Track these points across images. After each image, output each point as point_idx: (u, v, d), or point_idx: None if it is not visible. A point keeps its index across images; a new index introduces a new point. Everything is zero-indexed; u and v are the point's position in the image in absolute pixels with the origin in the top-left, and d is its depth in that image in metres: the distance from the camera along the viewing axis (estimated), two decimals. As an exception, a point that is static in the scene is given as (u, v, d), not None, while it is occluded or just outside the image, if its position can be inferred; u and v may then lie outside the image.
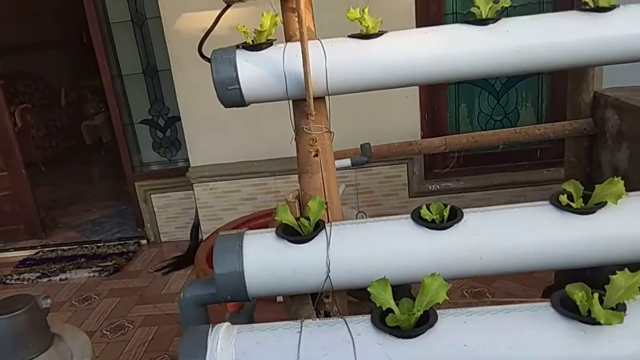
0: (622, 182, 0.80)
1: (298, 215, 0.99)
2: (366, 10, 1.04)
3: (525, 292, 2.55)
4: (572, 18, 1.01)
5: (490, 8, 1.00)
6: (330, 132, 1.09)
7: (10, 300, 1.85)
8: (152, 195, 3.71)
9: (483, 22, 1.00)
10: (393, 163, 3.17)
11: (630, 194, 0.82)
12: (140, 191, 3.72)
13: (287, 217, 0.85)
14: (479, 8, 1.00)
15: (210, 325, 0.69)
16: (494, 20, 1.00)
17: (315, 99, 1.05)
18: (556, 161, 3.19)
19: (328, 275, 0.82)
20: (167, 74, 3.32)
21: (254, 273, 0.82)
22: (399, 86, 1.04)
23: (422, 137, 3.14)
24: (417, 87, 3.03)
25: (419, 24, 2.86)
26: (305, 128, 1.06)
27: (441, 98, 3.13)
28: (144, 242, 3.82)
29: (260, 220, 2.46)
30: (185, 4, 2.97)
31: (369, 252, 0.82)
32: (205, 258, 2.06)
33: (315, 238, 0.83)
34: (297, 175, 3.43)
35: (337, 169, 2.31)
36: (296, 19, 1.22)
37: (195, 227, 3.50)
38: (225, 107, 1.07)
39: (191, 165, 3.25)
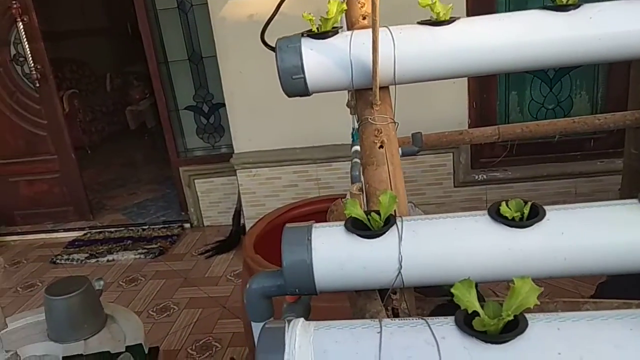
0: None
1: (363, 208, 0.96)
2: (437, -5, 0.99)
3: (577, 288, 2.47)
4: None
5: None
6: (395, 123, 1.06)
7: (66, 281, 1.91)
8: (195, 180, 3.76)
9: (563, 7, 0.94)
10: (439, 152, 3.10)
11: None
12: (185, 176, 3.77)
13: (357, 211, 0.82)
14: (559, -5, 0.94)
15: (286, 320, 0.68)
16: (575, 6, 0.94)
17: (380, 88, 1.02)
18: (610, 152, 3.06)
19: (400, 272, 0.79)
20: (212, 60, 3.34)
21: (323, 267, 0.80)
22: (472, 75, 1.00)
23: (469, 126, 3.05)
24: (466, 74, 2.95)
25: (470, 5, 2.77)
26: (370, 118, 1.03)
27: (492, 85, 3.03)
28: (187, 225, 3.89)
29: (303, 208, 2.45)
30: (232, -10, 2.96)
31: (443, 249, 0.78)
32: (253, 245, 2.07)
33: (387, 233, 0.80)
34: (337, 163, 3.42)
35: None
36: (359, 5, 1.18)
37: (238, 213, 3.53)
38: (289, 96, 1.05)
39: (235, 151, 3.27)
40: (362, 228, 0.83)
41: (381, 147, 1.01)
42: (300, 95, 1.06)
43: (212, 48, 3.16)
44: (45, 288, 1.90)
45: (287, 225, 0.86)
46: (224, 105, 3.29)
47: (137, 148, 6.16)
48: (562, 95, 3.05)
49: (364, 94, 1.06)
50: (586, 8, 0.95)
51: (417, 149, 1.81)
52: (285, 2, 1.37)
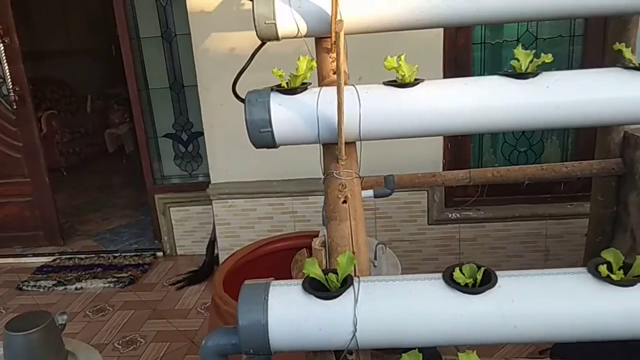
0: (665, 255, 0.77)
1: (324, 263, 0.97)
2: (403, 58, 1.03)
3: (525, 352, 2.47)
4: (613, 75, 0.98)
5: (530, 62, 0.98)
6: (360, 178, 1.08)
7: (28, 316, 1.86)
8: (170, 208, 3.73)
9: (523, 75, 0.98)
10: (414, 189, 3.14)
11: (673, 267, 0.79)
12: (160, 203, 3.74)
13: (314, 271, 0.83)
14: (518, 61, 0.98)
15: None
16: (534, 74, 0.98)
17: (346, 143, 1.04)
18: (579, 195, 3.13)
19: (354, 335, 0.80)
20: (193, 90, 3.35)
21: (279, 328, 0.81)
22: (433, 135, 1.03)
23: (444, 165, 3.10)
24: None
25: (447, 54, 2.84)
26: (335, 173, 1.05)
27: (465, 127, 3.10)
28: (160, 254, 3.83)
29: (276, 244, 2.44)
30: (215, 24, 3.00)
31: (398, 312, 0.80)
32: (224, 281, 2.05)
33: (343, 295, 0.81)
34: (314, 197, 3.41)
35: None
36: (330, 60, 1.22)
37: (212, 243, 3.50)
38: (256, 147, 1.07)
39: (212, 182, 3.26)
40: (319, 288, 0.83)
41: (345, 202, 1.03)
42: (268, 147, 1.07)
43: (194, 78, 3.18)
44: (5, 323, 1.85)
45: (246, 282, 0.87)
46: (203, 134, 3.29)
47: (114, 172, 6.09)
48: (534, 139, 3.13)
49: (331, 148, 1.08)
50: (544, 76, 0.99)
51: (389, 191, 1.84)
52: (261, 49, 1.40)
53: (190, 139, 3.71)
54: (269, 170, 3.19)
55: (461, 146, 3.13)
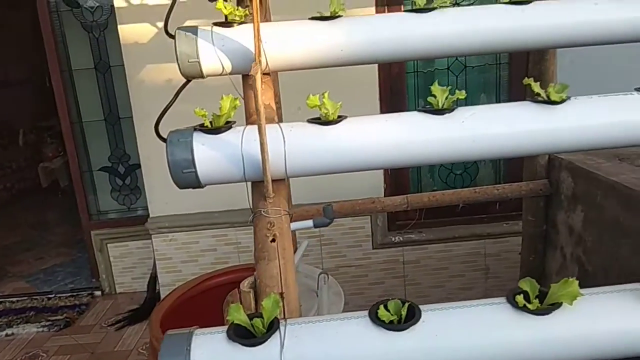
0: (577, 282, 0.81)
1: (253, 305, 0.95)
2: (326, 95, 1.04)
3: None
4: (525, 109, 1.03)
5: (446, 98, 1.02)
6: (290, 215, 1.07)
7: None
8: (108, 245, 3.58)
9: (440, 111, 1.01)
10: (356, 215, 3.17)
11: (585, 292, 0.83)
12: (97, 240, 3.58)
13: (239, 317, 0.81)
14: (435, 97, 1.02)
15: None
16: (450, 110, 1.02)
17: (274, 180, 1.04)
18: (514, 214, 3.26)
19: (281, 381, 0.78)
20: (129, 121, 3.26)
21: (203, 379, 0.78)
22: (357, 171, 1.04)
23: (385, 190, 3.16)
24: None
25: (382, 82, 2.93)
26: (263, 211, 1.04)
27: (404, 152, 3.18)
28: (98, 293, 3.65)
29: (219, 278, 2.39)
30: (150, 55, 2.95)
31: (324, 355, 0.79)
32: (160, 322, 1.97)
33: (269, 340, 0.79)
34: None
35: (299, 230, 2.28)
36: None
37: (153, 279, 3.37)
38: (180, 188, 1.04)
39: (150, 215, 3.17)
40: (245, 334, 0.81)
41: (273, 240, 1.01)
42: (193, 188, 1.05)
43: (130, 109, 3.10)
44: None
45: (168, 332, 0.84)
46: (140, 166, 3.20)
47: (48, 208, 5.79)
48: (469, 162, 3.25)
49: (259, 186, 1.07)
50: (460, 111, 1.03)
51: (328, 220, 1.84)
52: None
53: (127, 172, 3.60)
54: (210, 201, 3.13)
55: (401, 171, 3.20)
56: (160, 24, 2.92)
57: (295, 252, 1.76)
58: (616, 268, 1.61)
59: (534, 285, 0.82)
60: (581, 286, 0.80)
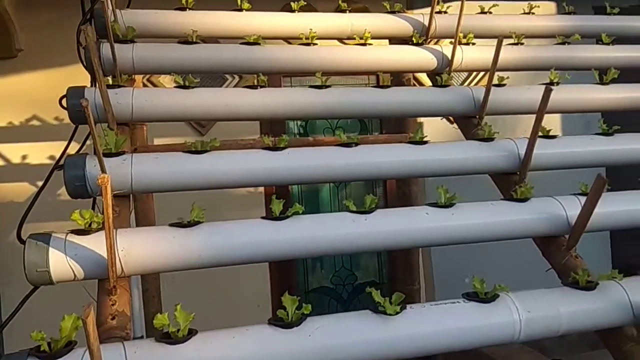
0: None
1: None
2: (178, 307, 1.04)
3: None
4: (365, 320, 1.12)
5: (294, 312, 1.07)
6: None
7: None
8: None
9: (288, 325, 1.05)
10: None
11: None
12: None
13: None
14: (285, 310, 1.07)
15: None
16: (298, 323, 1.06)
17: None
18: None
19: None
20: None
21: None
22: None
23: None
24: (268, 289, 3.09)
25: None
26: None
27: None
28: None
29: None
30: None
31: None
32: None
33: None
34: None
35: None
36: (110, 303, 1.19)
37: None
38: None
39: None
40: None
41: None
42: None
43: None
44: None
45: None
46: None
47: None
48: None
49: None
50: (308, 324, 1.08)
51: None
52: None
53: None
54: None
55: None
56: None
57: None
58: None
59: None
60: None
